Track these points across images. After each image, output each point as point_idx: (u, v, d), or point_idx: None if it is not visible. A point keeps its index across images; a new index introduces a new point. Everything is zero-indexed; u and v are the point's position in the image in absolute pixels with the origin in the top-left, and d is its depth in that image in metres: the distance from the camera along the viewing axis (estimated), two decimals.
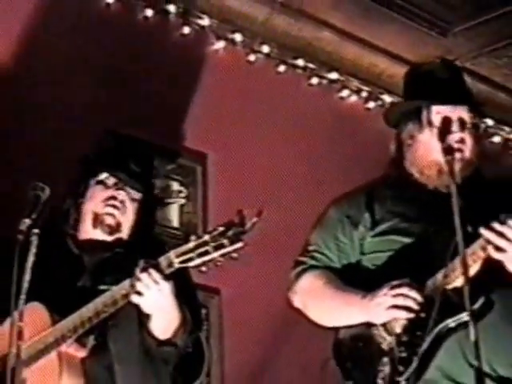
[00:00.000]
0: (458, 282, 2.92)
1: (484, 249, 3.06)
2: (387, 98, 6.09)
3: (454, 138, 3.27)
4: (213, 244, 2.99)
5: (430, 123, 3.28)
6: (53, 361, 3.16)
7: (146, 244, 3.46)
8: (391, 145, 3.50)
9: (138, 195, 3.50)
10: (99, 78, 4.95)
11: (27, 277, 3.00)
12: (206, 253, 3.01)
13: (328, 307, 3.33)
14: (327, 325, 3.36)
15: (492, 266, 3.08)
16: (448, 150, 3.07)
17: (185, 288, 3.32)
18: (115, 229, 3.46)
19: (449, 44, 5.91)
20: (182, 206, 5.29)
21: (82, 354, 3.22)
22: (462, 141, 3.29)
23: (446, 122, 3.24)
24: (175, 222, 5.18)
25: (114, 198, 3.46)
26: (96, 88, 4.90)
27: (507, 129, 6.57)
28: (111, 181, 3.48)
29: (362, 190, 3.46)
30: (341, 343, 3.32)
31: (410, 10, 5.76)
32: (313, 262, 3.40)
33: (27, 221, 3.11)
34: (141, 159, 3.62)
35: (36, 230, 3.10)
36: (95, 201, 3.48)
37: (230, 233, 2.98)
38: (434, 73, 3.41)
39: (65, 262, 3.44)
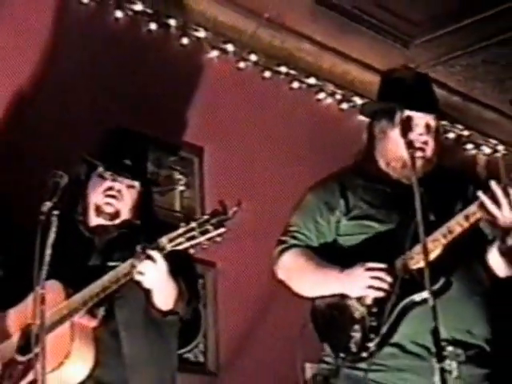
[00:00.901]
0: (422, 263, 2.91)
1: (445, 236, 3.09)
2: (358, 101, 6.04)
3: (419, 139, 3.29)
4: (199, 230, 3.00)
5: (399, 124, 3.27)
6: (66, 330, 3.16)
7: (149, 225, 3.44)
8: (363, 135, 3.51)
9: (133, 182, 3.49)
10: (109, 82, 4.92)
11: (48, 251, 3.01)
12: (194, 237, 3.01)
13: (308, 280, 3.34)
14: (307, 295, 3.36)
15: (451, 250, 3.11)
16: (410, 145, 3.08)
17: (183, 265, 3.32)
18: (114, 215, 3.46)
19: (411, 54, 5.88)
20: (182, 192, 5.27)
21: (92, 323, 3.22)
22: (425, 143, 3.32)
23: (408, 121, 3.25)
24: (177, 206, 5.17)
25: (111, 188, 3.46)
26: (107, 91, 4.88)
27: (460, 127, 6.58)
28: (107, 173, 3.47)
29: (335, 178, 3.46)
30: (318, 311, 3.32)
31: (377, 26, 5.74)
32: (294, 241, 3.41)
33: (48, 204, 3.12)
34: (134, 152, 3.61)
35: (56, 212, 3.10)
36: (96, 192, 3.48)
37: (213, 220, 2.98)
38: (409, 80, 3.42)
39: (77, 244, 3.43)
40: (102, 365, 3.20)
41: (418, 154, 3.26)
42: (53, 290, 3.13)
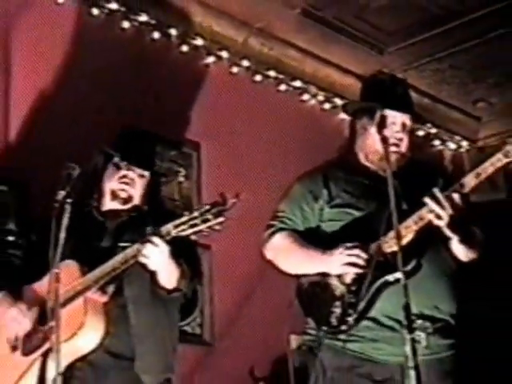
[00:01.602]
0: (395, 247, 2.90)
1: (416, 223, 3.10)
2: (338, 101, 6.05)
3: (395, 136, 3.28)
4: (201, 218, 3.00)
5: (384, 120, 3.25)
6: (80, 304, 3.15)
7: (156, 211, 3.44)
8: (345, 131, 3.51)
9: (144, 172, 3.48)
10: (117, 85, 4.92)
11: (62, 235, 3.00)
12: (196, 225, 3.01)
13: (294, 259, 3.34)
14: (292, 273, 3.37)
15: (422, 236, 3.11)
16: (384, 140, 3.08)
17: (187, 249, 3.32)
18: (127, 200, 3.45)
19: (385, 60, 5.88)
20: (181, 183, 5.27)
21: (103, 299, 3.22)
22: (401, 139, 3.31)
23: (385, 120, 3.24)
24: (176, 196, 5.17)
25: (125, 176, 3.46)
26: (115, 93, 4.88)
27: (428, 125, 6.59)
28: (123, 163, 3.48)
29: (319, 170, 3.45)
30: (302, 288, 3.32)
31: (356, 35, 5.75)
32: (282, 225, 3.40)
33: (62, 192, 3.11)
34: (145, 146, 3.62)
35: (69, 200, 3.10)
36: (112, 180, 3.47)
37: (214, 210, 2.98)
38: (388, 84, 3.41)
39: (92, 227, 3.43)
40: (112, 335, 3.20)
41: (394, 149, 3.27)
42: (69, 268, 3.13)
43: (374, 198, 3.19)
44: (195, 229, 3.02)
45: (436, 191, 3.07)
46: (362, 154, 3.38)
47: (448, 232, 3.13)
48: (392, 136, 3.27)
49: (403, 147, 3.33)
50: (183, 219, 3.05)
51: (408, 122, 3.35)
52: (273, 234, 3.41)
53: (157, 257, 3.12)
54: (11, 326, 3.26)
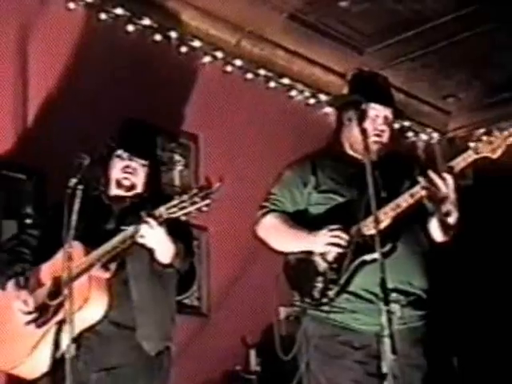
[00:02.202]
0: (373, 230, 2.91)
1: (393, 209, 3.10)
2: (323, 97, 6.06)
3: (378, 128, 3.28)
4: (189, 201, 2.99)
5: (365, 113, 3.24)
6: (85, 280, 3.14)
7: (156, 197, 3.44)
8: (329, 123, 3.50)
9: (145, 162, 3.46)
10: (123, 82, 4.91)
11: (74, 217, 3.01)
12: (185, 207, 3.00)
13: (283, 238, 3.33)
14: (281, 250, 3.35)
15: (399, 221, 3.11)
16: (363, 131, 3.06)
17: (181, 229, 3.31)
18: (131, 188, 3.44)
19: (364, 60, 5.86)
20: (180, 171, 5.28)
21: (106, 275, 3.21)
22: (383, 131, 3.29)
23: (366, 113, 3.22)
24: (176, 182, 5.18)
25: (128, 166, 3.44)
26: (121, 89, 4.88)
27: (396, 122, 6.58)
28: (125, 154, 3.46)
29: (308, 158, 3.43)
30: (289, 264, 3.32)
31: (338, 37, 5.75)
32: (273, 207, 3.39)
33: (74, 180, 3.12)
34: (145, 137, 3.59)
35: (80, 186, 3.11)
36: (116, 169, 3.45)
37: (201, 193, 2.97)
38: (373, 80, 3.39)
39: (99, 211, 3.41)
40: (115, 307, 3.20)
41: (376, 139, 3.26)
42: (75, 248, 3.10)
43: (356, 185, 3.16)
44: (185, 210, 3.01)
45: (430, 173, 3.07)
46: (347, 144, 3.36)
47: (437, 213, 3.15)
48: (375, 128, 3.27)
49: (385, 138, 3.31)
50: (174, 202, 3.04)
51: (390, 115, 3.33)
52: (265, 214, 3.40)
53: (152, 236, 3.12)
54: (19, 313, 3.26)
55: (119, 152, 3.47)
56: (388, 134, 3.33)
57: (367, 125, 3.23)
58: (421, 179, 3.09)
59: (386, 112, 3.32)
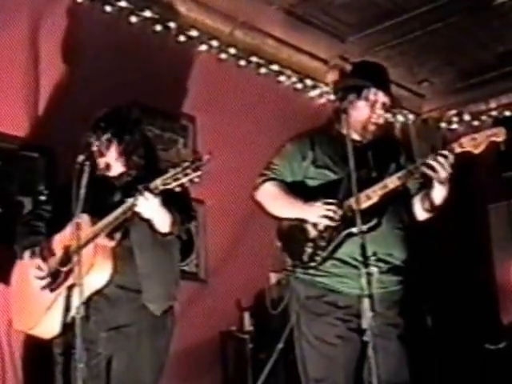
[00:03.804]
0: (364, 205, 2.96)
1: (381, 189, 3.10)
2: (309, 82, 6.05)
3: (377, 111, 3.24)
4: (182, 173, 2.95)
5: (366, 98, 3.23)
6: (91, 249, 3.12)
7: (154, 172, 3.37)
8: (334, 104, 3.48)
9: (111, 142, 3.32)
10: (126, 69, 4.89)
11: (82, 191, 3.00)
12: (178, 179, 2.97)
13: (280, 205, 3.30)
14: (277, 215, 3.32)
15: (385, 199, 3.12)
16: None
17: (179, 198, 3.24)
18: (106, 168, 3.34)
19: (347, 48, 5.86)
20: (180, 150, 5.27)
21: (111, 244, 3.18)
22: (379, 115, 3.26)
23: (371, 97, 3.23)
24: (176, 161, 5.14)
25: (98, 151, 3.30)
26: (125, 75, 4.85)
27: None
28: (93, 139, 3.29)
29: (308, 135, 3.39)
30: (283, 229, 3.30)
31: (322, 27, 5.72)
32: (273, 175, 3.34)
33: (81, 156, 3.10)
34: (110, 117, 3.37)
35: (88, 162, 3.09)
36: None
37: (193, 166, 2.93)
38: (375, 68, 3.36)
39: (104, 186, 3.36)
40: (120, 273, 3.18)
41: (373, 121, 3.25)
42: (83, 220, 3.09)
43: (348, 163, 3.07)
44: (178, 182, 2.97)
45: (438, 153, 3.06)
46: (345, 125, 3.26)
47: (415, 190, 3.16)
48: (373, 111, 3.24)
49: (381, 120, 3.28)
50: (168, 174, 3.00)
51: (387, 102, 3.28)
52: (264, 181, 3.35)
53: (148, 207, 3.08)
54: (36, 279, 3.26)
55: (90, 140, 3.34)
56: (383, 119, 3.30)
57: (365, 108, 3.23)
58: (420, 164, 3.08)
59: (385, 99, 3.28)
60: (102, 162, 3.33)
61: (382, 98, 3.27)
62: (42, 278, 3.22)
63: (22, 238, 3.36)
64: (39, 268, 3.22)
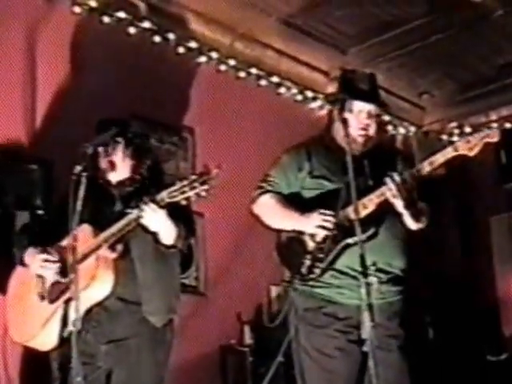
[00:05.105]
0: (359, 215, 2.93)
1: (378, 197, 3.10)
2: (309, 94, 6.03)
3: (363, 122, 3.24)
4: (189, 186, 2.95)
5: (350, 110, 3.21)
6: (93, 260, 3.12)
7: (157, 182, 3.37)
8: (319, 117, 3.47)
9: (109, 139, 3.30)
10: (125, 81, 4.90)
11: (79, 202, 2.96)
12: (184, 192, 2.97)
13: (277, 217, 3.30)
14: (275, 228, 3.33)
15: (382, 208, 3.11)
16: (344, 123, 3.07)
17: (182, 212, 3.25)
18: (110, 168, 3.33)
19: (348, 59, 5.85)
20: (179, 162, 5.25)
21: (112, 255, 3.17)
22: (368, 125, 3.26)
23: (345, 109, 3.19)
24: (175, 173, 5.13)
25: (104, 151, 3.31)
26: (124, 88, 4.86)
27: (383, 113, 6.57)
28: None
29: (304, 145, 3.39)
30: (281, 242, 3.30)
31: (323, 38, 5.72)
32: (269, 188, 3.35)
33: (78, 167, 3.05)
34: (116, 123, 3.38)
35: (85, 173, 3.04)
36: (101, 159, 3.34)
37: (200, 179, 2.94)
38: (358, 79, 3.32)
39: (104, 196, 3.35)
40: (122, 285, 3.17)
41: (362, 132, 3.24)
42: (84, 231, 3.09)
43: (345, 173, 3.06)
44: (184, 195, 2.97)
45: (395, 175, 3.06)
46: (338, 136, 3.30)
47: (401, 209, 3.12)
48: (360, 122, 3.23)
49: (370, 131, 3.27)
50: (175, 187, 3.00)
51: (373, 110, 3.28)
52: (261, 194, 3.36)
53: (155, 219, 3.08)
54: (42, 267, 3.21)
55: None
56: (374, 127, 3.29)
57: (352, 119, 3.21)
58: (388, 181, 3.07)
59: (369, 108, 3.27)
60: (106, 161, 3.31)
61: (365, 107, 3.27)
62: (52, 262, 3.17)
63: (21, 248, 3.33)
64: (48, 253, 3.17)
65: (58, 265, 3.18)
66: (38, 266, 3.21)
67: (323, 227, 3.12)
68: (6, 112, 4.35)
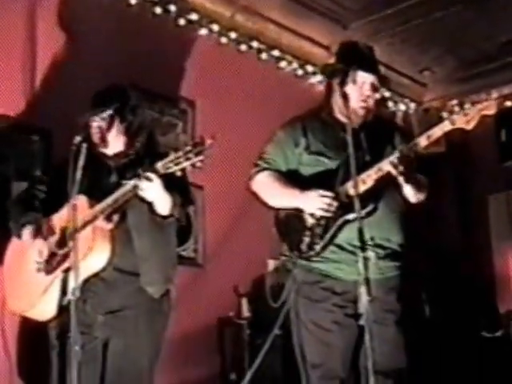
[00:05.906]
0: (359, 190, 2.91)
1: (376, 173, 3.08)
2: (310, 68, 6.00)
3: (365, 93, 3.21)
4: (184, 157, 2.93)
5: (353, 81, 3.16)
6: (89, 231, 3.11)
7: (153, 155, 3.30)
8: (315, 91, 3.44)
9: (104, 115, 3.29)
10: (125, 52, 4.84)
11: (79, 172, 2.97)
12: (180, 163, 2.95)
13: (275, 193, 3.29)
14: (272, 205, 3.31)
15: (380, 183, 3.10)
16: (345, 96, 3.02)
17: (179, 183, 3.21)
18: (102, 141, 3.32)
19: (348, 34, 5.76)
20: (178, 134, 5.24)
21: (109, 226, 3.16)
22: (369, 96, 3.22)
23: (347, 80, 3.13)
24: (174, 145, 5.12)
25: (96, 126, 3.30)
26: (124, 59, 4.80)
27: (383, 89, 6.54)
28: (88, 115, 3.31)
29: (299, 120, 3.35)
30: (280, 218, 3.29)
31: (324, 12, 5.66)
32: (266, 165, 3.33)
33: (78, 138, 3.06)
34: (105, 93, 3.38)
35: (85, 144, 3.05)
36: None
37: (195, 150, 2.92)
38: (361, 49, 3.29)
39: (100, 168, 3.34)
40: (119, 255, 3.17)
41: (363, 104, 3.20)
42: (80, 202, 3.07)
43: (343, 148, 3.04)
44: (180, 166, 2.96)
45: (399, 148, 3.06)
46: (336, 109, 3.27)
47: (402, 181, 3.11)
48: (362, 93, 3.20)
49: (371, 103, 3.24)
50: (170, 158, 2.98)
51: (376, 82, 3.24)
52: (258, 172, 3.34)
53: (150, 190, 3.07)
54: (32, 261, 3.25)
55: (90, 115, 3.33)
56: (374, 100, 3.26)
57: (355, 91, 3.17)
58: (392, 157, 3.06)
59: (372, 79, 3.24)
60: (98, 137, 3.29)
61: (368, 78, 3.23)
62: (40, 263, 3.21)
63: (18, 214, 3.33)
64: (40, 252, 3.21)
65: (43, 263, 3.19)
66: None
67: (326, 210, 3.10)
68: (6, 82, 4.31)
